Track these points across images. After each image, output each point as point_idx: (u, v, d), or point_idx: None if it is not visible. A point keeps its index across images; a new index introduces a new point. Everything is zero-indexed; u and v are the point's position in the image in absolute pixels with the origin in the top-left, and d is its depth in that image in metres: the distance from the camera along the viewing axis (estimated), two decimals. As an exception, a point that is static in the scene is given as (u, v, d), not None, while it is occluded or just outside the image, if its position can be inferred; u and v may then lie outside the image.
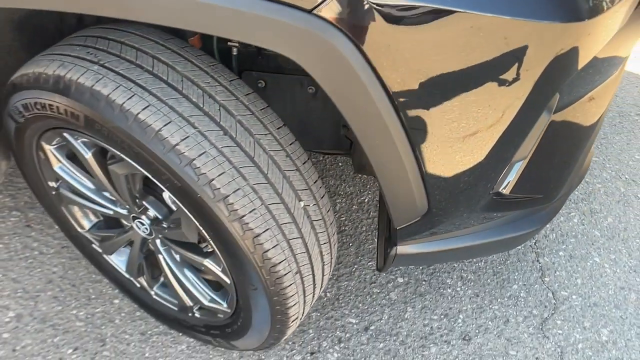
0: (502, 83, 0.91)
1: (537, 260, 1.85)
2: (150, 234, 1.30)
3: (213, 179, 0.99)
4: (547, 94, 0.99)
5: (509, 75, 0.90)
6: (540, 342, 1.63)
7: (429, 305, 1.70)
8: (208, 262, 1.20)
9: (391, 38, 0.85)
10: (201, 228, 1.09)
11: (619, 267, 1.85)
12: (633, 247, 1.92)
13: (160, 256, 1.35)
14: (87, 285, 1.68)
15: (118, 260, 1.53)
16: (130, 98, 0.98)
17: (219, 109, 1.03)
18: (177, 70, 1.04)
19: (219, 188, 0.99)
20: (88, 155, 1.16)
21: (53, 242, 1.78)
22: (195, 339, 1.53)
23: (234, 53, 1.26)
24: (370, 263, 1.80)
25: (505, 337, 1.64)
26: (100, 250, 1.52)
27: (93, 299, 1.65)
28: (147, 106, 0.98)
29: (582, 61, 0.98)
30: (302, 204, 1.11)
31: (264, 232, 1.04)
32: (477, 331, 1.64)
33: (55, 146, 1.26)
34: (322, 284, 1.27)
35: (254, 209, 1.02)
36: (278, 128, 1.10)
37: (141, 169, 1.06)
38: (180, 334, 1.58)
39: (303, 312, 1.24)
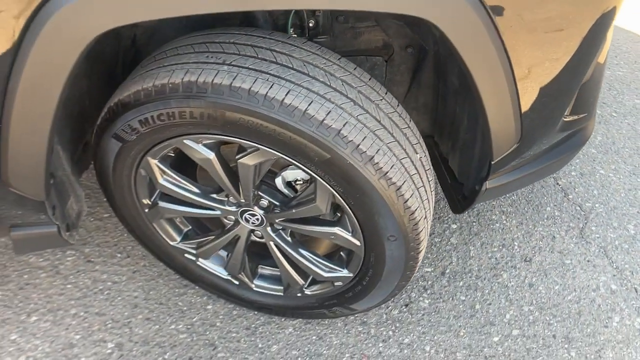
0: (591, 16, 1.11)
1: (557, 184, 2.09)
2: (260, 223, 1.38)
3: (359, 144, 1.10)
4: (609, 22, 1.19)
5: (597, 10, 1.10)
6: (586, 248, 1.87)
7: (486, 241, 1.89)
8: (338, 230, 1.30)
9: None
10: (339, 196, 1.19)
11: (621, 173, 2.14)
12: (625, 155, 2.22)
13: (271, 242, 1.43)
14: (174, 300, 1.71)
15: (213, 264, 1.58)
16: (271, 87, 1.07)
17: (342, 84, 1.14)
18: (296, 57, 1.14)
19: (365, 151, 1.11)
20: (212, 156, 1.23)
21: (122, 269, 1.78)
22: (304, 317, 1.62)
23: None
24: (421, 218, 1.96)
25: (557, 250, 1.86)
26: (194, 258, 1.56)
27: (186, 310, 1.68)
28: (289, 91, 1.07)
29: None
30: (418, 156, 1.24)
31: (403, 183, 1.17)
32: (533, 252, 1.85)
33: (159, 159, 1.30)
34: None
35: (393, 165, 1.15)
36: (385, 94, 1.23)
37: (279, 153, 1.15)
38: (283, 319, 1.65)
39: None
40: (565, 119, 1.40)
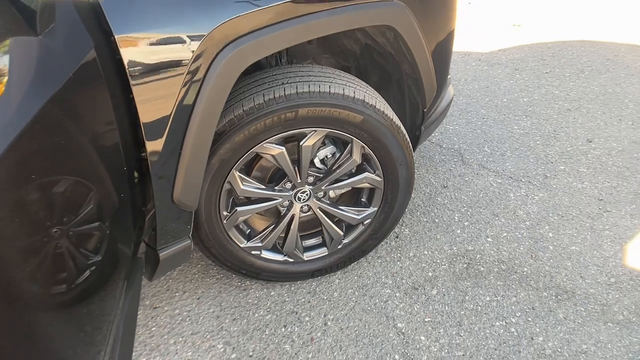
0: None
1: (431, 142, 3.05)
2: (308, 197, 1.99)
3: (376, 105, 1.83)
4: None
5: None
6: (471, 168, 2.83)
7: (434, 169, 2.72)
8: (366, 174, 1.98)
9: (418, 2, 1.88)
10: (368, 145, 1.89)
11: (461, 125, 3.21)
12: (456, 114, 3.31)
13: (317, 209, 2.04)
14: (244, 300, 2.15)
15: (272, 253, 2.10)
16: (319, 86, 1.75)
17: (349, 79, 1.87)
18: (317, 71, 1.84)
19: (380, 108, 1.83)
20: (283, 149, 1.82)
21: (186, 301, 2.16)
22: (347, 264, 2.21)
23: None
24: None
25: (457, 175, 2.78)
26: (259, 252, 2.07)
27: (258, 302, 2.14)
28: (330, 85, 1.76)
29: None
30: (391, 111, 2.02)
31: (400, 125, 1.92)
32: (444, 180, 2.74)
33: (239, 170, 1.84)
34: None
35: (393, 115, 1.90)
36: (367, 84, 1.99)
37: (330, 128, 1.81)
38: (328, 276, 2.23)
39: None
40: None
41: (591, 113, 3.29)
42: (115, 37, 1.29)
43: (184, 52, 1.39)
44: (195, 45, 1.40)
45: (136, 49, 1.33)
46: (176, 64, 1.39)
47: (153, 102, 1.40)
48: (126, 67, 1.32)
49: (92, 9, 1.29)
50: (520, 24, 4.64)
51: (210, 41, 1.42)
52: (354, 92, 1.79)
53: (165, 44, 1.36)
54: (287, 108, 1.71)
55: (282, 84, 1.74)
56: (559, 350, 1.90)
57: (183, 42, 1.38)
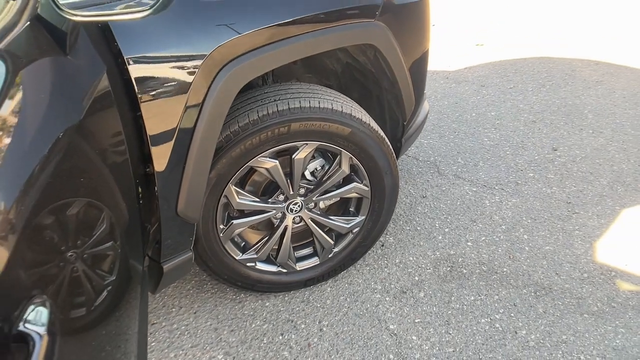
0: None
1: (408, 156, 3.20)
2: (300, 209, 2.09)
3: (361, 118, 1.96)
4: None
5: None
6: (448, 178, 2.98)
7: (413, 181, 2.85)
8: (355, 184, 2.10)
9: (396, 23, 2.03)
10: (356, 157, 2.00)
11: (434, 139, 3.37)
12: (429, 129, 3.47)
13: (309, 219, 2.13)
14: (240, 312, 2.22)
15: (266, 265, 2.18)
16: (310, 102, 1.87)
17: (336, 95, 2.00)
18: (306, 88, 1.96)
19: (365, 121, 1.96)
20: (277, 162, 1.92)
21: (183, 316, 2.21)
22: (338, 272, 2.30)
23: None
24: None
25: (435, 185, 2.92)
26: (254, 264, 2.15)
27: (254, 313, 2.21)
28: (319, 100, 1.88)
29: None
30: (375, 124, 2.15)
31: (384, 136, 2.05)
32: (423, 191, 2.88)
33: (234, 183, 1.93)
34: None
35: (377, 127, 2.03)
36: (352, 100, 2.12)
37: (320, 141, 1.92)
38: (319, 285, 2.32)
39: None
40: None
41: (555, 124, 3.50)
42: (125, 57, 1.38)
43: (188, 70, 1.49)
44: (197, 64, 1.50)
45: (144, 68, 1.42)
46: (181, 81, 1.49)
47: (159, 118, 1.49)
48: (135, 85, 1.41)
49: (102, 31, 1.39)
50: (483, 43, 4.89)
51: (211, 61, 1.53)
52: (342, 107, 1.91)
53: (171, 63, 1.46)
54: (281, 123, 1.82)
55: (275, 100, 1.85)
56: (541, 341, 2.03)
57: (187, 61, 1.48)
